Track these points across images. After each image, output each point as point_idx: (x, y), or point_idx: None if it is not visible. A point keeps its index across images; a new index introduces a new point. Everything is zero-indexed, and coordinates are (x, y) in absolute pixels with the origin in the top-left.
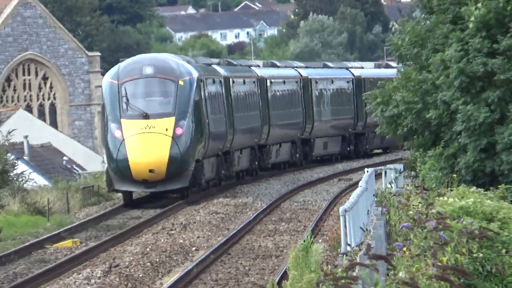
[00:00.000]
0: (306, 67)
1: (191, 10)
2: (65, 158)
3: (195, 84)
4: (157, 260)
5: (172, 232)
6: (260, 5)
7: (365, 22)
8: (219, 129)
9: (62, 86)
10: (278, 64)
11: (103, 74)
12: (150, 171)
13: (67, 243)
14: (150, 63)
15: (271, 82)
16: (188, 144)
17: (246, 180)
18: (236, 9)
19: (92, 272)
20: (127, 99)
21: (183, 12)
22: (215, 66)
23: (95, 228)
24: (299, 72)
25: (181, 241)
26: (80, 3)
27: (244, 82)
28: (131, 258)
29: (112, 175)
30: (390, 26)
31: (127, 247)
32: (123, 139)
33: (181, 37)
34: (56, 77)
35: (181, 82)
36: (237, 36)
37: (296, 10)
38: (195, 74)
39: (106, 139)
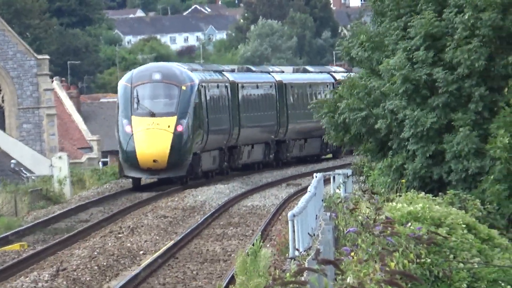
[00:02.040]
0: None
1: (140, 13)
2: (13, 161)
3: (195, 89)
4: (105, 263)
5: (120, 235)
6: (209, 9)
7: (314, 27)
8: (218, 127)
9: (10, 89)
10: (253, 69)
11: (51, 77)
12: (154, 161)
13: (15, 246)
14: (158, 70)
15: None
16: (186, 140)
17: (191, 185)
18: (185, 13)
19: (40, 276)
20: (138, 100)
21: (132, 15)
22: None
23: (43, 232)
24: (273, 77)
25: (129, 244)
26: (29, 6)
27: (217, 86)
28: (79, 261)
29: (122, 163)
30: (339, 31)
31: (74, 250)
32: (132, 134)
33: (130, 40)
34: (4, 80)
35: (183, 87)
36: (186, 40)
37: (246, 14)
38: (196, 81)
39: (119, 132)
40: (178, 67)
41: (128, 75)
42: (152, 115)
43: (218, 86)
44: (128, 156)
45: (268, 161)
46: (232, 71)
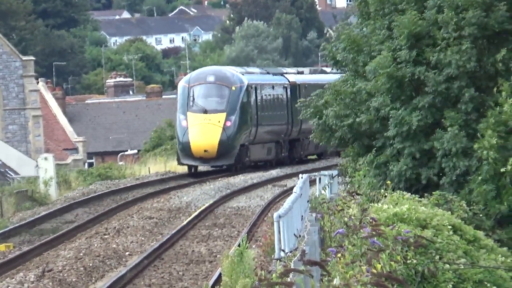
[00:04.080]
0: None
1: (126, 15)
2: None
3: (244, 90)
4: (91, 264)
5: (106, 236)
6: (195, 10)
7: (300, 27)
8: (271, 123)
9: None
10: (327, 70)
11: (37, 78)
12: (205, 151)
13: (0, 247)
14: (212, 73)
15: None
16: (234, 133)
17: (179, 186)
18: (171, 14)
19: (25, 277)
20: (193, 98)
21: (118, 17)
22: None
23: (28, 232)
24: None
25: (115, 245)
26: (14, 7)
27: (273, 87)
28: (65, 262)
29: (179, 153)
30: (325, 32)
31: (60, 251)
32: (187, 127)
33: (115, 41)
34: None
35: (233, 88)
36: (172, 41)
37: (231, 15)
38: (246, 82)
39: (176, 126)
40: (230, 70)
41: (187, 76)
42: (205, 111)
43: (273, 87)
44: (183, 147)
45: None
46: (300, 73)
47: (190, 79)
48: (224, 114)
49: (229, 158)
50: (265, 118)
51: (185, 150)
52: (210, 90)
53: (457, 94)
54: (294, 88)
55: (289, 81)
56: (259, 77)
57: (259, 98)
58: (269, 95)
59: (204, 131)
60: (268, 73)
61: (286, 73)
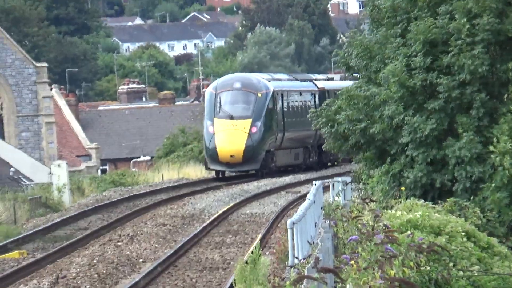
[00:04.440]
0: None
1: (138, 21)
2: (12, 169)
3: (270, 96)
4: (104, 271)
5: (119, 243)
6: (208, 17)
7: (312, 34)
8: (298, 129)
9: (9, 96)
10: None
11: (50, 85)
12: (231, 156)
13: (14, 254)
14: (239, 80)
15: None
16: (259, 139)
17: (192, 192)
18: (183, 21)
19: (39, 284)
20: (220, 105)
21: (130, 23)
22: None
23: (42, 239)
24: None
25: (128, 252)
26: (27, 14)
27: (300, 94)
28: (78, 269)
29: (206, 158)
30: (337, 38)
31: (74, 258)
32: (214, 133)
33: (128, 47)
34: (3, 88)
35: (259, 94)
36: (184, 48)
37: (244, 21)
38: (271, 89)
39: (204, 132)
40: (256, 77)
41: (214, 83)
42: (231, 117)
43: (301, 93)
44: (210, 152)
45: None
46: (330, 79)
47: (217, 85)
48: (250, 120)
49: (255, 163)
50: (291, 124)
51: (212, 156)
52: (236, 96)
53: (469, 100)
54: (323, 94)
55: (317, 87)
56: (286, 83)
57: (285, 104)
58: (297, 101)
59: (230, 137)
60: (296, 79)
61: (315, 79)
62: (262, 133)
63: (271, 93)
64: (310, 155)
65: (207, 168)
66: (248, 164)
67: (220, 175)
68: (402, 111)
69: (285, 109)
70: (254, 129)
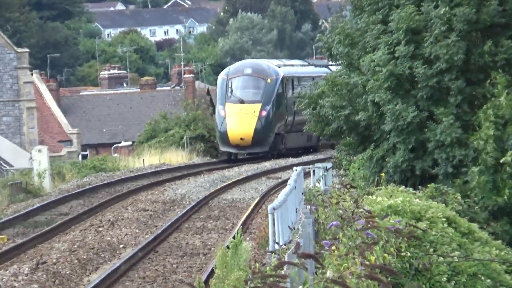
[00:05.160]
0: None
1: (120, 6)
2: None
3: (279, 81)
4: (85, 257)
5: (100, 229)
6: (189, 2)
7: (294, 20)
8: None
9: None
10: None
11: (31, 70)
12: (241, 139)
13: None
14: (249, 66)
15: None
16: (269, 122)
17: (173, 178)
18: (165, 6)
19: (20, 269)
20: (231, 90)
21: (112, 8)
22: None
23: (22, 225)
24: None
25: (109, 238)
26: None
27: (313, 79)
28: (59, 255)
29: (218, 140)
30: (319, 24)
31: (54, 244)
32: (225, 117)
33: (110, 33)
34: None
35: (269, 80)
36: (166, 33)
37: (226, 7)
38: (281, 74)
39: (215, 115)
40: (267, 63)
41: (226, 69)
42: (242, 102)
43: (313, 79)
44: (221, 135)
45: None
46: None
47: (229, 71)
48: (260, 105)
49: (264, 146)
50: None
51: (223, 138)
52: (247, 82)
53: (448, 86)
54: None
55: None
56: (299, 69)
57: (296, 89)
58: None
59: (241, 120)
60: (309, 64)
61: (331, 65)
62: (271, 117)
63: (280, 79)
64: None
65: (219, 151)
66: (257, 146)
67: (232, 157)
68: (390, 99)
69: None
70: (263, 113)
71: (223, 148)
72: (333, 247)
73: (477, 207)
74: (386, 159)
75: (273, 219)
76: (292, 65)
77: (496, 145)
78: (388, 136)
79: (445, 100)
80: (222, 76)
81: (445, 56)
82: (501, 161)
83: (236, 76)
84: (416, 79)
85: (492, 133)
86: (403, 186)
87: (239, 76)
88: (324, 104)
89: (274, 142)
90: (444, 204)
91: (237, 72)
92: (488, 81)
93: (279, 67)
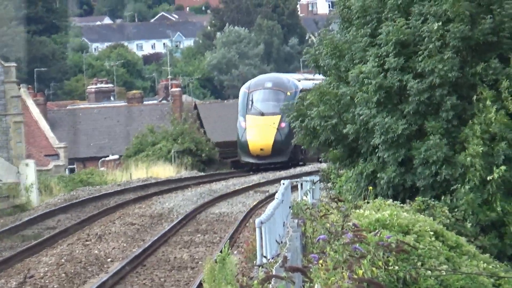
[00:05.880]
0: None
1: (107, 21)
2: None
3: (298, 94)
4: (72, 271)
5: (88, 243)
6: (176, 16)
7: (281, 33)
8: None
9: None
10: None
11: (18, 84)
12: (261, 149)
13: None
14: (270, 80)
15: None
16: (288, 134)
17: (160, 191)
18: (152, 20)
19: (7, 283)
20: (252, 102)
21: (99, 22)
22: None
23: (10, 239)
24: None
25: (97, 252)
26: None
27: None
28: (46, 269)
29: (239, 151)
30: (306, 38)
31: (42, 257)
32: (246, 128)
33: (97, 47)
34: None
35: (288, 93)
36: (153, 47)
37: (213, 21)
38: (300, 87)
39: (237, 127)
40: (286, 77)
41: (247, 83)
42: (262, 114)
43: None
44: (242, 146)
45: None
46: None
47: (250, 85)
48: (279, 117)
49: (283, 156)
50: None
51: (244, 149)
52: (267, 95)
53: (439, 101)
54: None
55: None
56: (317, 82)
57: None
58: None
59: (261, 132)
60: None
61: None
62: (290, 128)
63: (299, 91)
64: None
65: (241, 161)
66: (276, 156)
67: (254, 167)
68: (375, 114)
69: None
70: (282, 125)
71: (244, 159)
72: (321, 261)
73: (468, 221)
74: (378, 175)
75: (261, 233)
76: (311, 79)
77: (484, 161)
78: (376, 151)
79: (434, 115)
80: (243, 89)
81: (440, 71)
82: (488, 178)
83: (257, 90)
84: (406, 92)
85: (481, 150)
86: (391, 200)
87: (260, 90)
88: (312, 115)
89: (293, 152)
90: (431, 218)
91: (258, 85)
92: (475, 97)
93: (298, 81)
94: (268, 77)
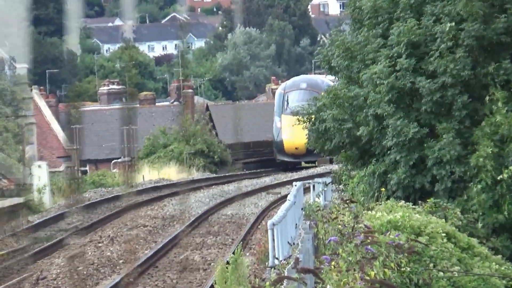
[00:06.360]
0: None
1: (118, 22)
2: None
3: None
4: (85, 272)
5: (100, 244)
6: (188, 17)
7: (293, 34)
8: None
9: None
10: None
11: (30, 86)
12: (296, 148)
13: None
14: (304, 81)
15: None
16: None
17: (172, 193)
18: (163, 21)
19: (20, 285)
20: (287, 103)
21: (110, 24)
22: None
23: (23, 240)
24: None
25: (109, 253)
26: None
27: None
28: (59, 270)
29: (274, 150)
30: (318, 39)
31: (54, 259)
32: (281, 128)
33: (108, 48)
34: None
35: (322, 93)
36: (164, 48)
37: (224, 22)
38: None
39: (273, 127)
40: (320, 78)
41: (283, 84)
42: (297, 114)
43: None
44: (277, 145)
45: None
46: None
47: (285, 86)
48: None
49: (317, 155)
50: None
51: (279, 148)
52: (302, 95)
53: (451, 101)
54: None
55: None
56: None
57: None
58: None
59: (295, 132)
60: None
61: None
62: None
63: None
64: None
65: (276, 160)
66: (310, 155)
67: (289, 166)
68: (392, 113)
69: None
70: None
71: (279, 157)
72: (333, 262)
73: (480, 223)
74: (389, 175)
75: (273, 235)
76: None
77: (495, 162)
78: (389, 152)
79: (447, 115)
80: (279, 90)
81: (453, 70)
82: (499, 178)
83: (292, 90)
84: (418, 92)
85: (491, 151)
86: (403, 201)
87: (295, 90)
88: (325, 117)
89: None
90: (443, 219)
91: (293, 86)
92: (487, 97)
93: (333, 82)
94: (303, 78)
